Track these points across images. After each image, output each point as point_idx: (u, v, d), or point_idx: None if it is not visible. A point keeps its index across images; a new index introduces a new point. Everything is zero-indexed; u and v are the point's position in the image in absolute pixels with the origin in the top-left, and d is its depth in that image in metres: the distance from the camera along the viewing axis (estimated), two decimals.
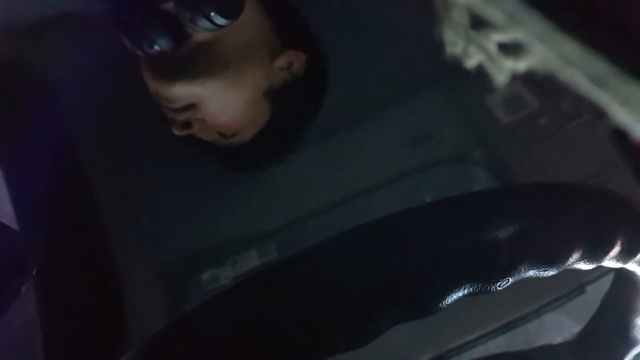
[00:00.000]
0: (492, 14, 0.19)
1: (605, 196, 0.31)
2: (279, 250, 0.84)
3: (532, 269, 0.28)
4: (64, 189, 0.74)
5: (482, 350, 0.74)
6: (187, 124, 0.68)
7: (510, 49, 0.19)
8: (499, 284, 0.27)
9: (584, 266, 0.30)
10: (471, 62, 0.20)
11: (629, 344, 0.44)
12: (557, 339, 0.85)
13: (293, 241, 0.85)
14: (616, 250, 0.31)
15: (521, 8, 0.18)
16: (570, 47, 0.18)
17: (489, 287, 0.26)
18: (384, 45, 0.88)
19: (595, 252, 0.30)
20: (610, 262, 0.31)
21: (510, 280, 0.27)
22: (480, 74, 0.20)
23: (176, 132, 0.68)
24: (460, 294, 0.25)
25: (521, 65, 0.19)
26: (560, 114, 0.87)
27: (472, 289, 0.26)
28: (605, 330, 0.46)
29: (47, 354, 0.72)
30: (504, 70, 0.19)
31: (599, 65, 0.18)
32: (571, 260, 0.29)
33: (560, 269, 0.29)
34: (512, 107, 0.90)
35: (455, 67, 0.21)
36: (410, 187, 0.93)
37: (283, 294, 0.24)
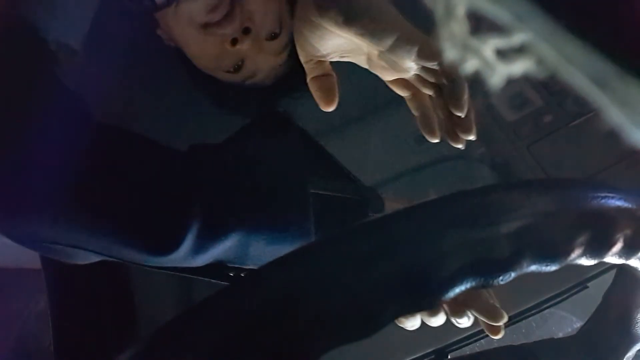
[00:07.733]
0: (498, 13, 0.19)
1: (608, 192, 0.31)
2: None
3: (535, 264, 0.28)
4: None
5: (484, 343, 0.75)
6: (235, 40, 0.67)
7: (508, 53, 0.19)
8: (501, 278, 0.27)
9: (586, 262, 0.31)
10: (467, 69, 0.20)
11: (631, 340, 0.45)
12: (559, 334, 0.85)
13: None
14: (618, 246, 0.31)
15: (527, 7, 0.19)
16: (572, 46, 0.19)
17: (491, 281, 0.26)
18: None
19: (598, 248, 0.30)
20: (612, 258, 0.32)
21: (513, 274, 0.27)
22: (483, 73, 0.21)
23: (229, 47, 0.67)
24: (462, 287, 0.26)
25: (517, 69, 0.19)
26: (564, 112, 0.87)
27: (474, 283, 0.26)
28: (608, 326, 0.46)
29: (57, 349, 0.72)
30: (499, 75, 0.19)
31: (599, 65, 0.19)
32: (573, 255, 0.29)
33: (563, 265, 0.29)
34: (516, 105, 0.90)
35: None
36: (414, 184, 0.93)
37: (286, 288, 0.25)
